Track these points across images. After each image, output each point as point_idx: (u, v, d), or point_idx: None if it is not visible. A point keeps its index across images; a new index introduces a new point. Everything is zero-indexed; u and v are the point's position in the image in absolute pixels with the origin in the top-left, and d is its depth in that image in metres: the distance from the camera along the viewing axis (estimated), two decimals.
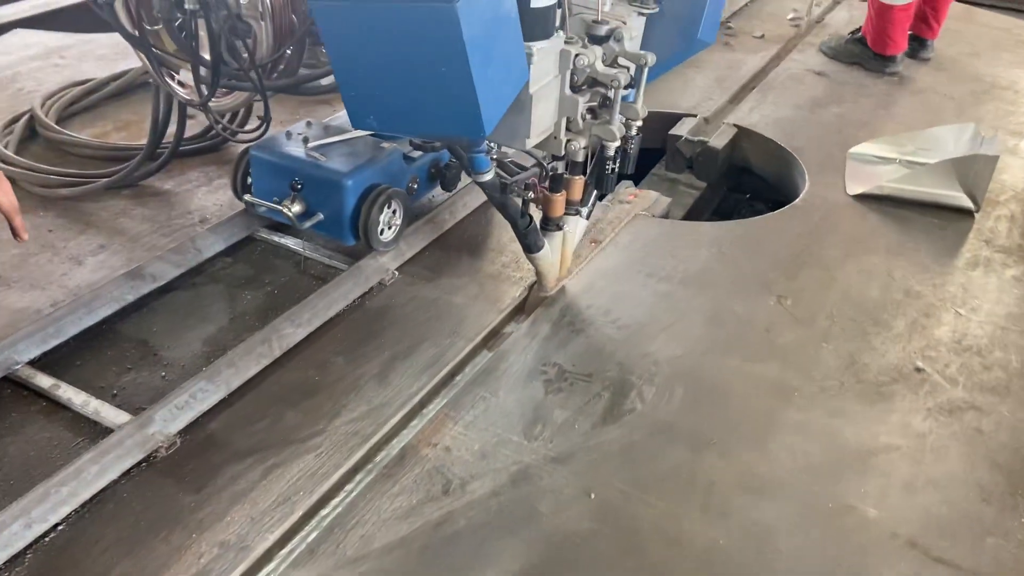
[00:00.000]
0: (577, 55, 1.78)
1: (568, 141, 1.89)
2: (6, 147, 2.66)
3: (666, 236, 2.53)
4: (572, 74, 1.82)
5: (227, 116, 2.54)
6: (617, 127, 1.87)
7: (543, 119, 1.80)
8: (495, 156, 1.92)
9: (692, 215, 3.14)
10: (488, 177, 1.82)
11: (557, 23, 1.75)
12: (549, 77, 1.77)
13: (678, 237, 2.53)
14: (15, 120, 2.83)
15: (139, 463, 1.66)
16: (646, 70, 1.90)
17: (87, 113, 3.01)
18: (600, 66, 1.82)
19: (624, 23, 1.92)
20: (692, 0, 2.01)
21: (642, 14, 1.99)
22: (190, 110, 2.48)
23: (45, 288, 2.15)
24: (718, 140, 3.15)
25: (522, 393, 1.92)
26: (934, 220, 2.64)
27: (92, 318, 2.00)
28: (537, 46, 1.68)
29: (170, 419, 1.73)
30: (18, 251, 2.28)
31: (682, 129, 3.19)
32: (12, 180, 2.56)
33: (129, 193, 2.57)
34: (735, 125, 3.24)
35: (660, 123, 3.28)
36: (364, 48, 1.50)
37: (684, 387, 1.96)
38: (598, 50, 1.82)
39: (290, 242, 2.34)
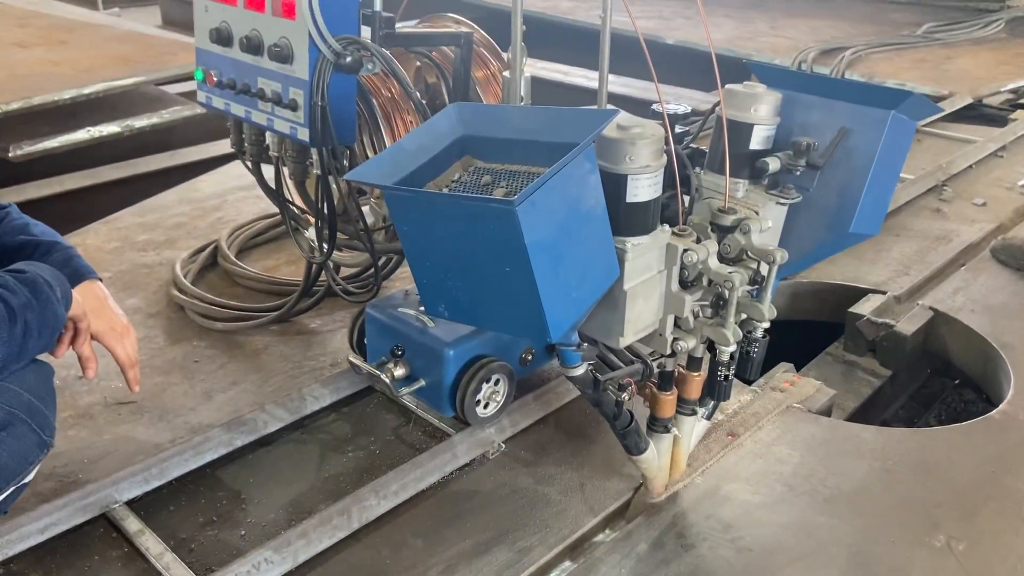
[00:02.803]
0: (686, 251, 1.61)
1: (675, 340, 1.70)
2: (186, 275, 2.89)
3: (820, 439, 2.20)
4: (682, 269, 1.64)
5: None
6: (732, 331, 1.65)
7: (642, 317, 1.63)
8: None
9: (871, 406, 2.75)
10: (578, 372, 1.66)
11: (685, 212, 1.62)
12: (651, 273, 1.61)
13: (834, 442, 2.19)
14: (203, 249, 3.08)
15: None
16: (775, 268, 1.68)
17: (268, 245, 3.22)
18: (713, 263, 1.63)
19: (756, 212, 1.73)
20: (845, 188, 1.77)
21: (781, 203, 1.78)
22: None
23: (171, 421, 2.24)
24: (908, 324, 2.76)
25: None
26: None
27: (196, 462, 2.03)
28: (633, 242, 1.54)
29: None
30: (160, 379, 2.42)
31: (865, 307, 2.84)
32: (181, 308, 2.77)
33: (277, 328, 2.67)
34: (931, 308, 2.83)
35: (841, 297, 2.95)
36: (433, 238, 1.44)
37: None
38: (712, 245, 1.64)
39: (406, 397, 2.29)
